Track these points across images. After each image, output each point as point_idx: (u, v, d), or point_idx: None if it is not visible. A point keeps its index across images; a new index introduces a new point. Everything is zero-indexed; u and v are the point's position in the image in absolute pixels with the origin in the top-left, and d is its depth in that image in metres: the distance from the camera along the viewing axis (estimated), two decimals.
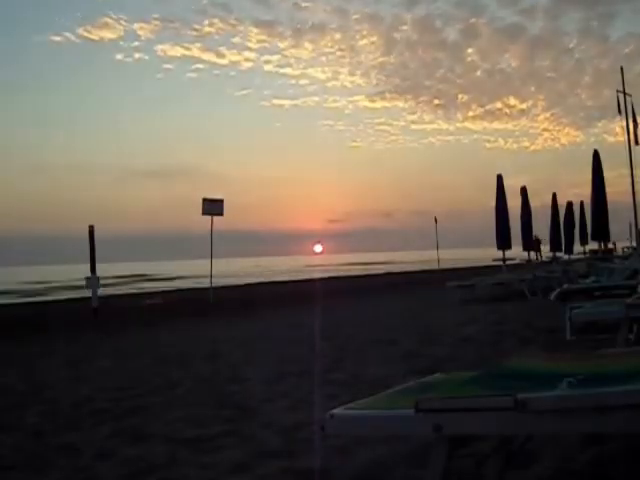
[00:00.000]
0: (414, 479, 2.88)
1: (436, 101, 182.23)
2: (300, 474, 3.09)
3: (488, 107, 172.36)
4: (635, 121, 21.38)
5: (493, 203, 19.89)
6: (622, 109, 21.67)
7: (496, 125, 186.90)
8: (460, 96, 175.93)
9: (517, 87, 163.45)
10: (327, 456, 3.26)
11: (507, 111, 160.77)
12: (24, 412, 4.99)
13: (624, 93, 21.82)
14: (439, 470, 1.87)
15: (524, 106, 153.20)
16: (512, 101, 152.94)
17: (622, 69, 22.65)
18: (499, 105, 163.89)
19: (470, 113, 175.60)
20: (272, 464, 3.25)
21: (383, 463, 3.11)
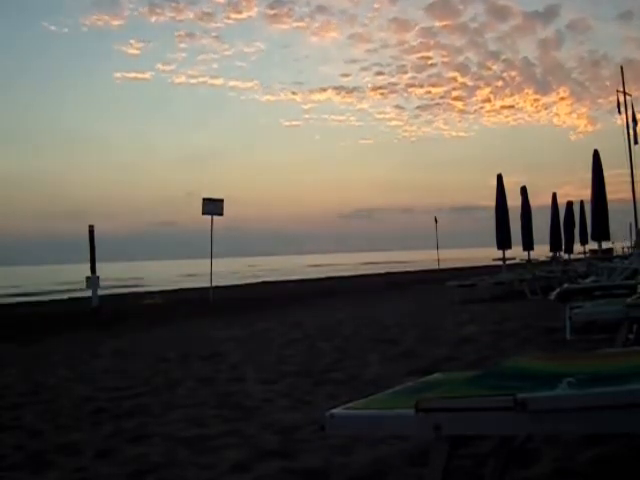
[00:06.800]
0: (414, 479, 2.88)
1: (454, 93, 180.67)
2: (300, 474, 3.09)
3: (507, 101, 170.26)
4: (635, 120, 21.38)
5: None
6: (622, 109, 21.71)
7: (512, 121, 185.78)
8: (479, 89, 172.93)
9: (538, 79, 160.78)
10: (327, 456, 3.26)
11: (526, 106, 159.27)
12: (24, 412, 4.98)
13: (624, 93, 21.84)
14: (439, 470, 1.87)
15: (545, 100, 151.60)
16: (532, 95, 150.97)
17: (622, 69, 22.69)
18: (518, 99, 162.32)
19: (487, 107, 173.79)
20: (272, 464, 3.25)
21: (383, 463, 3.11)
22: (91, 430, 4.28)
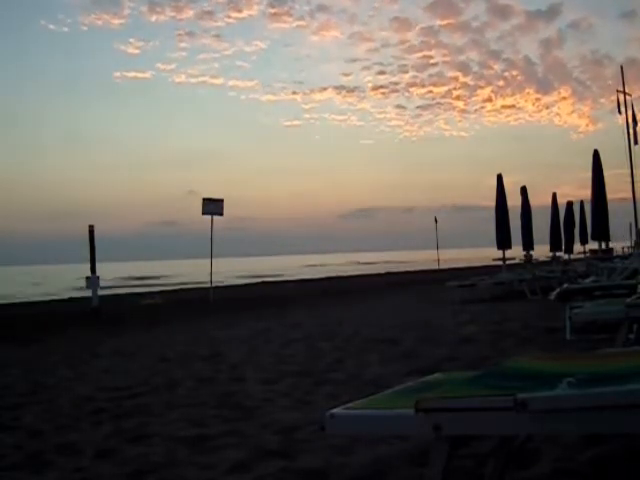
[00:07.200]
0: (414, 479, 2.88)
1: (455, 92, 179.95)
2: (300, 474, 3.09)
3: (508, 101, 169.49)
4: (635, 120, 21.38)
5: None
6: (622, 109, 21.71)
7: (513, 121, 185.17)
8: (480, 89, 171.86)
9: (540, 78, 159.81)
10: (327, 456, 3.26)
11: (527, 105, 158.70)
12: (24, 412, 4.98)
13: (624, 93, 21.84)
14: (439, 470, 1.87)
15: (546, 99, 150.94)
16: (533, 94, 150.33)
17: (622, 68, 22.69)
18: (519, 99, 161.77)
19: (489, 106, 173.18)
20: (272, 464, 3.25)
21: (383, 463, 3.11)
22: (91, 430, 4.28)
